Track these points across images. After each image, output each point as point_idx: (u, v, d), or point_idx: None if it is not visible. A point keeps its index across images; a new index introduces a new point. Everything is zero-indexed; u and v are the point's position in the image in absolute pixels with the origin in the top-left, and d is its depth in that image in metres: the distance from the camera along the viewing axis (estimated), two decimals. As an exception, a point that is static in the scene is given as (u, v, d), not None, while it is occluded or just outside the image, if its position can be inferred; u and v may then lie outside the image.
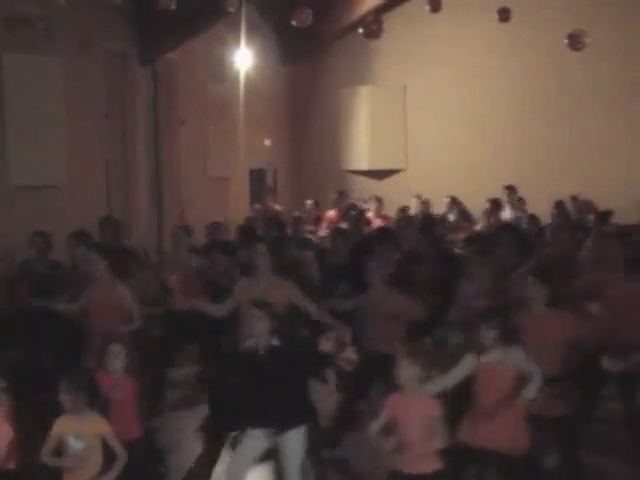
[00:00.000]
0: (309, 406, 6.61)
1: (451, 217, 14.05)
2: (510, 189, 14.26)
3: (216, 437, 7.53)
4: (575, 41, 13.37)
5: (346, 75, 18.33)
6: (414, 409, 5.83)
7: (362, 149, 18.38)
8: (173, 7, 11.48)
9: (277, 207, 15.51)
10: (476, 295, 7.89)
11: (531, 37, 16.26)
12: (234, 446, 6.94)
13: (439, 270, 9.07)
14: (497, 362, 6.14)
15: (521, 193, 14.58)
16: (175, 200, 14.34)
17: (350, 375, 8.19)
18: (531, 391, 5.99)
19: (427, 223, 11.48)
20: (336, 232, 10.73)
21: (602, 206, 13.06)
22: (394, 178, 18.01)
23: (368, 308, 8.00)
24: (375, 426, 5.90)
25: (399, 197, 15.11)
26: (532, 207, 13.70)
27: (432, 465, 5.81)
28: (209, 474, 7.27)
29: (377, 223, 13.69)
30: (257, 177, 17.35)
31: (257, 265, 7.73)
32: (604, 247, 8.41)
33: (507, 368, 6.13)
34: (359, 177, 18.29)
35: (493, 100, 17.22)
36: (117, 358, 6.12)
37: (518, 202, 14.13)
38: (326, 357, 6.85)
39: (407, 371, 5.86)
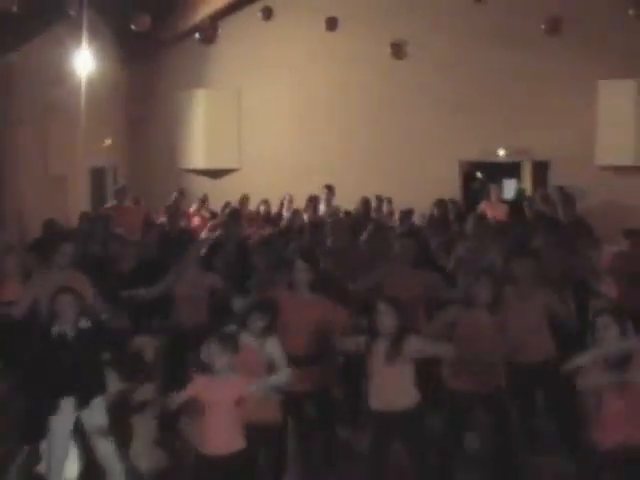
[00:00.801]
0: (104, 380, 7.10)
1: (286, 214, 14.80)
2: (329, 188, 15.05)
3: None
4: (397, 50, 14.27)
5: (183, 78, 18.36)
6: (224, 392, 6.05)
7: (198, 149, 18.41)
8: (14, 9, 11.20)
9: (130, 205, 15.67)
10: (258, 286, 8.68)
11: (358, 45, 16.72)
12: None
13: (234, 260, 10.06)
14: (257, 350, 6.57)
15: (345, 190, 15.32)
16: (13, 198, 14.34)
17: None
18: (277, 381, 6.44)
19: (233, 216, 12.43)
20: (148, 227, 11.87)
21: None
22: (229, 177, 18.26)
23: (183, 288, 8.83)
24: (174, 401, 6.14)
25: (235, 195, 15.51)
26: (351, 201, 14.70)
27: (235, 445, 6.08)
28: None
29: (196, 221, 14.61)
30: (98, 176, 17.27)
31: (57, 261, 8.26)
32: (401, 245, 9.03)
33: (262, 357, 6.58)
34: (196, 176, 18.38)
35: (323, 103, 17.66)
36: None
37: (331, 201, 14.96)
38: (117, 340, 7.53)
39: (221, 358, 6.08)
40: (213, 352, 6.13)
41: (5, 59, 13.49)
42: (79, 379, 6.87)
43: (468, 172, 17.93)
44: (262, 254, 9.41)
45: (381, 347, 6.47)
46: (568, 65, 16.28)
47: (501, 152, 17.27)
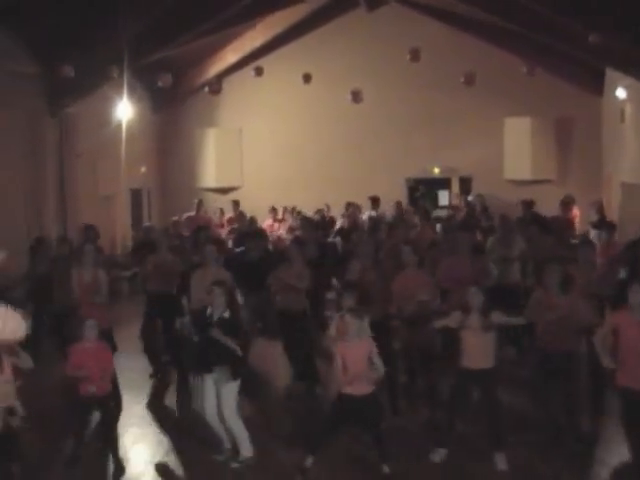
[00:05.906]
0: (240, 361, 7.26)
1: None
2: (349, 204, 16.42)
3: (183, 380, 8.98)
4: (355, 96, 16.16)
5: (198, 120, 20.53)
6: (359, 350, 6.55)
7: (211, 172, 20.51)
8: (72, 74, 13.15)
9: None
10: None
11: (327, 93, 18.74)
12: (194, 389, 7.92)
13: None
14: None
15: (322, 200, 17.31)
16: (76, 216, 15.34)
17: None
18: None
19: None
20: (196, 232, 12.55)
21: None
22: (234, 193, 20.16)
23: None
24: (334, 366, 6.63)
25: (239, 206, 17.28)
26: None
27: (368, 388, 6.69)
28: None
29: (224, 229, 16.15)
30: (136, 195, 18.98)
31: (204, 259, 9.25)
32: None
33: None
34: (209, 193, 20.36)
35: (302, 137, 20.01)
36: None
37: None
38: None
39: (353, 326, 6.55)
40: (348, 322, 6.57)
41: (69, 111, 15.15)
42: (217, 357, 7.18)
43: (412, 186, 20.36)
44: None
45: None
46: (483, 106, 19.15)
47: (436, 170, 20.01)
